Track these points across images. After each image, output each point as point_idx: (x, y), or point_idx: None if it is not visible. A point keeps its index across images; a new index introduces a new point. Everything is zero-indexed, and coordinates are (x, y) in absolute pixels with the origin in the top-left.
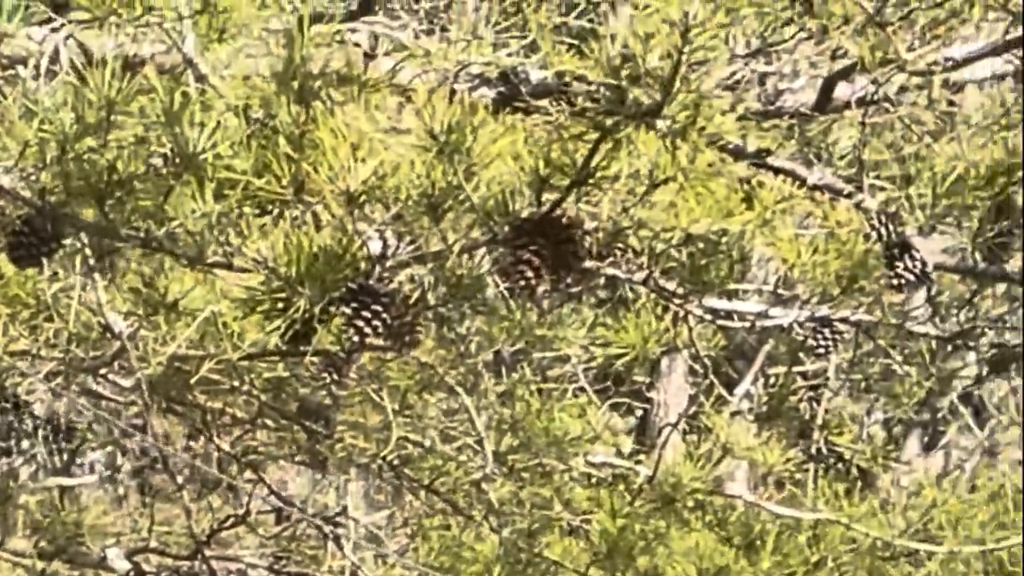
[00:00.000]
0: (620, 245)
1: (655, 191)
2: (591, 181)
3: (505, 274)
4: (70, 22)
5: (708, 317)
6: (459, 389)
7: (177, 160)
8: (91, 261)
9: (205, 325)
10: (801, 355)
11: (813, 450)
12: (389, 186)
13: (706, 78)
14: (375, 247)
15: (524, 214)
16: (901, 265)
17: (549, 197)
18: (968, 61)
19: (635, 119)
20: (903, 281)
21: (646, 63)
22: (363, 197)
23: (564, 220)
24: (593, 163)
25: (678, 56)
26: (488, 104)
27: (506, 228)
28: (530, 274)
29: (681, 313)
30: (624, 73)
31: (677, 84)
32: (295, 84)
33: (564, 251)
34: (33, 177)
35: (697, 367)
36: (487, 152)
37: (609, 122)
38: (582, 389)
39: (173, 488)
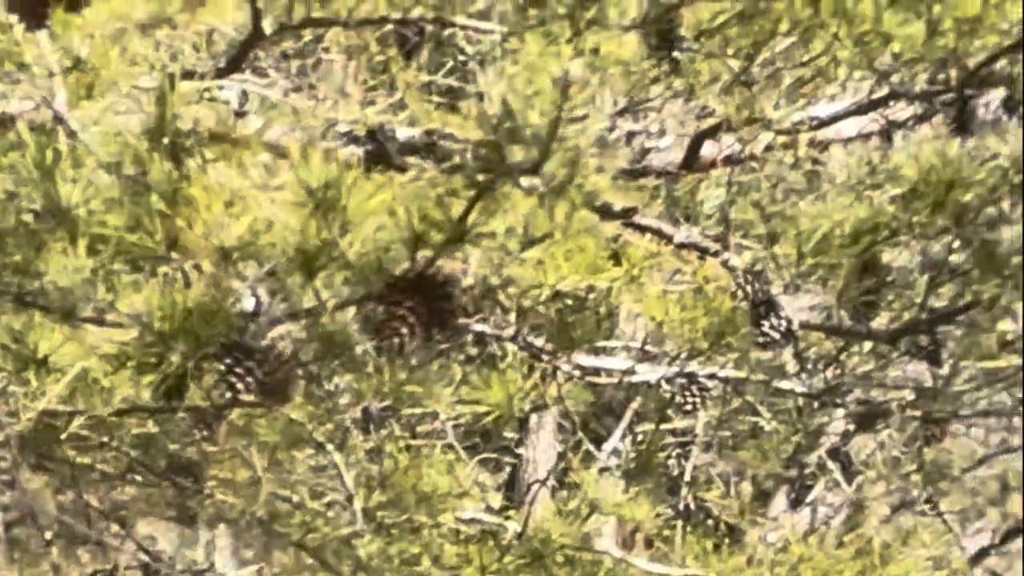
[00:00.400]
0: (490, 302)
1: (530, 248)
2: (467, 238)
3: (378, 331)
4: None
5: (576, 373)
6: (328, 445)
7: (49, 215)
8: None
9: (75, 381)
10: (669, 411)
11: (681, 506)
12: (263, 243)
13: (583, 136)
14: (248, 304)
15: (398, 271)
16: (767, 323)
17: (424, 254)
18: (834, 120)
19: (512, 176)
20: (769, 339)
21: (525, 120)
22: (237, 253)
23: (439, 277)
24: (469, 220)
25: (557, 113)
26: (358, 161)
27: (380, 285)
28: (404, 331)
29: (549, 369)
30: (502, 130)
31: (555, 142)
32: (166, 141)
33: (438, 308)
34: None
35: (565, 423)
36: (362, 209)
37: (485, 179)
38: (451, 445)
39: (42, 544)
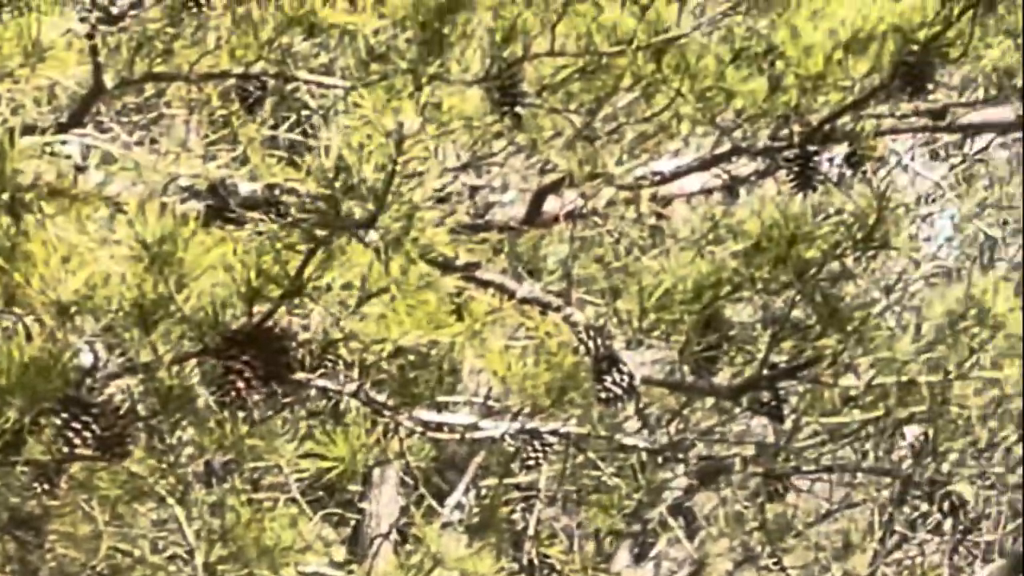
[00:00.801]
0: (331, 356)
1: (367, 302)
2: (303, 292)
3: (216, 385)
4: None
5: (419, 429)
6: (169, 499)
7: None
8: None
9: None
10: (512, 466)
11: (525, 561)
12: (100, 297)
13: (419, 190)
14: (86, 358)
15: (235, 325)
16: (609, 378)
17: (261, 308)
18: (676, 175)
19: (348, 230)
20: (612, 394)
21: (360, 174)
22: (74, 308)
23: (276, 331)
24: (305, 274)
25: (392, 167)
26: (199, 215)
27: (217, 339)
28: (241, 385)
29: (392, 424)
30: (338, 184)
31: (390, 195)
32: (5, 196)
33: (276, 362)
34: None
35: (408, 478)
36: (198, 263)
37: (322, 233)
38: (294, 499)
39: None
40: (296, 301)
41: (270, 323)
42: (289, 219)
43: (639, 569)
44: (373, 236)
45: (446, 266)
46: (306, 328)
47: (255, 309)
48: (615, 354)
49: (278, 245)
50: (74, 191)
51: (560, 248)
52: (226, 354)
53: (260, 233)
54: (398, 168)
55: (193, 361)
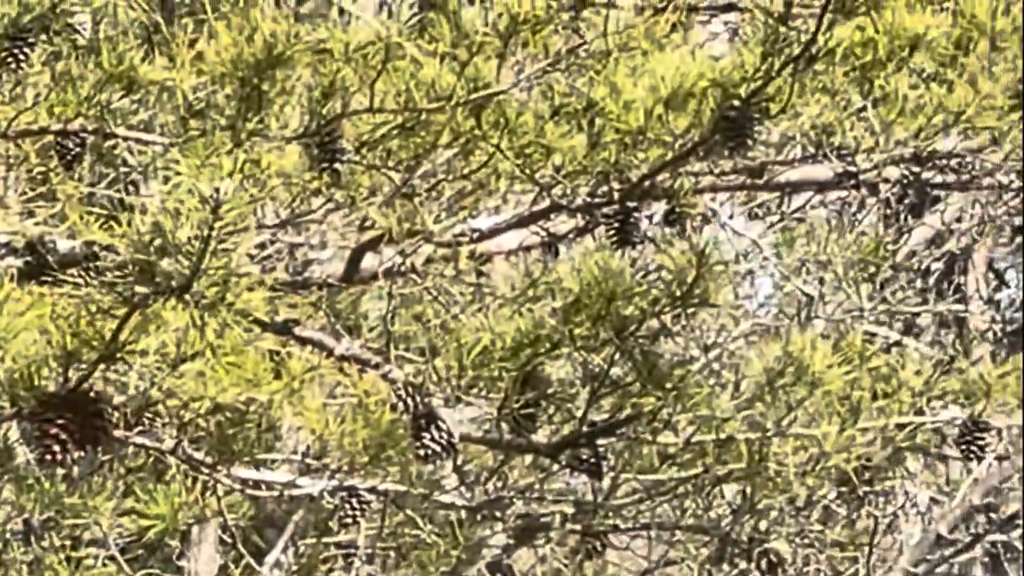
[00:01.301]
0: (150, 414)
1: (182, 365)
2: (119, 356)
3: (33, 446)
4: None
5: (237, 486)
6: None
7: None
8: None
9: None
10: (331, 524)
11: None
12: None
13: (235, 253)
14: None
15: (51, 388)
16: (428, 435)
17: (77, 371)
18: (495, 232)
19: (164, 294)
20: (430, 451)
21: (176, 238)
22: None
23: (92, 394)
24: (121, 338)
25: (208, 231)
26: (15, 274)
27: (33, 402)
28: (56, 448)
29: (211, 482)
30: (154, 247)
31: (207, 259)
32: None
33: (92, 425)
34: None
35: (227, 536)
36: (14, 325)
37: (138, 296)
38: (113, 557)
39: None
40: (113, 364)
41: (86, 386)
42: (106, 279)
43: None
44: (189, 300)
45: (264, 324)
46: (123, 388)
47: (71, 372)
48: (434, 411)
49: (94, 308)
50: None
51: (379, 305)
52: (42, 417)
53: (74, 295)
54: (214, 233)
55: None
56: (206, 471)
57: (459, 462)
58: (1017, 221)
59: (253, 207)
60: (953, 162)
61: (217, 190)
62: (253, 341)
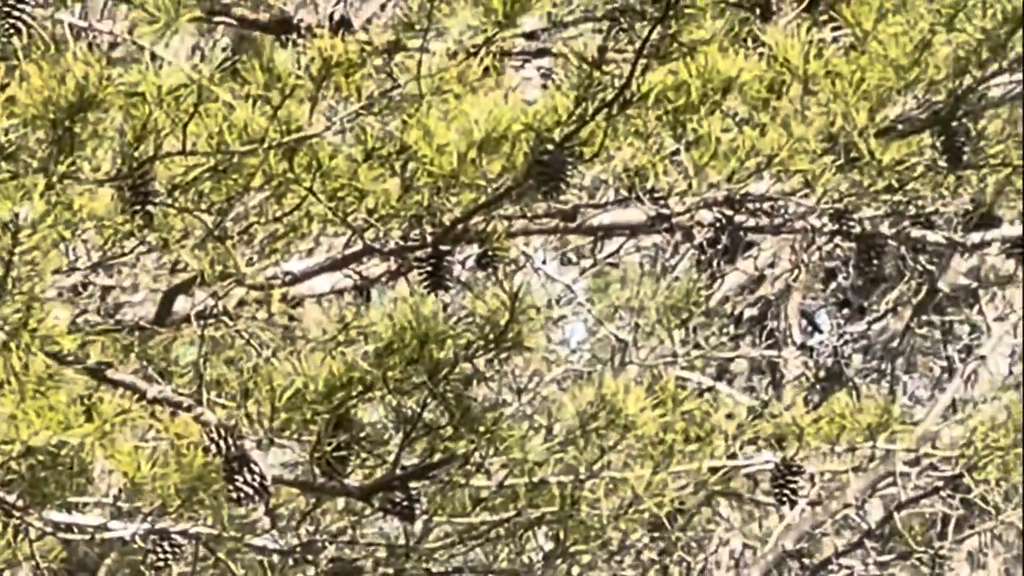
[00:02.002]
0: None
1: None
2: None
3: None
4: None
5: (49, 530)
6: None
7: None
8: None
9: None
10: (143, 568)
11: None
12: None
13: (39, 281)
14: None
15: None
16: (240, 478)
17: None
18: (308, 275)
19: None
20: (243, 494)
21: None
22: None
23: None
24: None
25: (9, 258)
26: None
27: None
28: None
29: (22, 526)
30: None
31: (10, 284)
32: None
33: None
34: None
35: None
36: None
37: None
38: None
39: None
40: None
41: None
42: None
43: None
44: None
45: (76, 366)
46: None
47: None
48: (246, 454)
49: None
50: None
51: (191, 348)
52: None
53: None
54: (15, 259)
55: None
56: (17, 515)
57: (272, 505)
58: (829, 265)
59: (56, 232)
60: (766, 206)
61: (16, 215)
62: (65, 383)
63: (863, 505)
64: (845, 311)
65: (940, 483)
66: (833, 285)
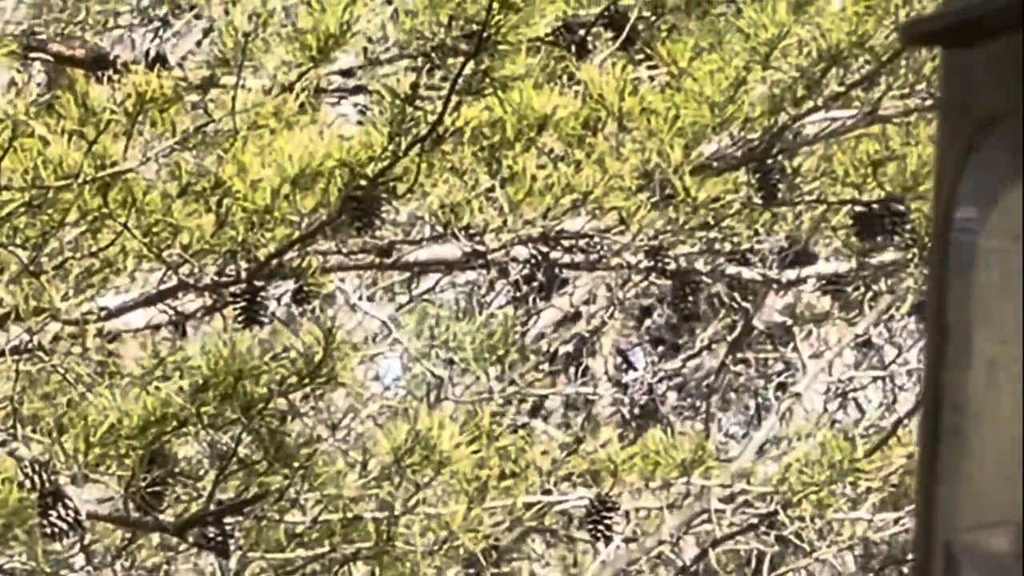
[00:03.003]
0: None
1: None
2: None
3: None
4: None
5: None
6: None
7: None
8: None
9: None
10: None
11: None
12: None
13: None
14: None
15: None
16: (55, 513)
17: None
18: (123, 311)
19: None
20: (57, 529)
21: None
22: None
23: None
24: None
25: None
26: None
27: None
28: None
29: None
30: None
31: None
32: None
33: None
34: None
35: None
36: None
37: None
38: None
39: None
40: None
41: None
42: None
43: None
44: None
45: None
46: None
47: None
48: (60, 489)
49: None
50: None
51: (6, 383)
52: None
53: None
54: None
55: None
56: None
57: (86, 540)
58: (644, 303)
59: None
60: (581, 242)
61: None
62: None
63: (678, 542)
64: (660, 348)
65: (755, 520)
66: (648, 322)
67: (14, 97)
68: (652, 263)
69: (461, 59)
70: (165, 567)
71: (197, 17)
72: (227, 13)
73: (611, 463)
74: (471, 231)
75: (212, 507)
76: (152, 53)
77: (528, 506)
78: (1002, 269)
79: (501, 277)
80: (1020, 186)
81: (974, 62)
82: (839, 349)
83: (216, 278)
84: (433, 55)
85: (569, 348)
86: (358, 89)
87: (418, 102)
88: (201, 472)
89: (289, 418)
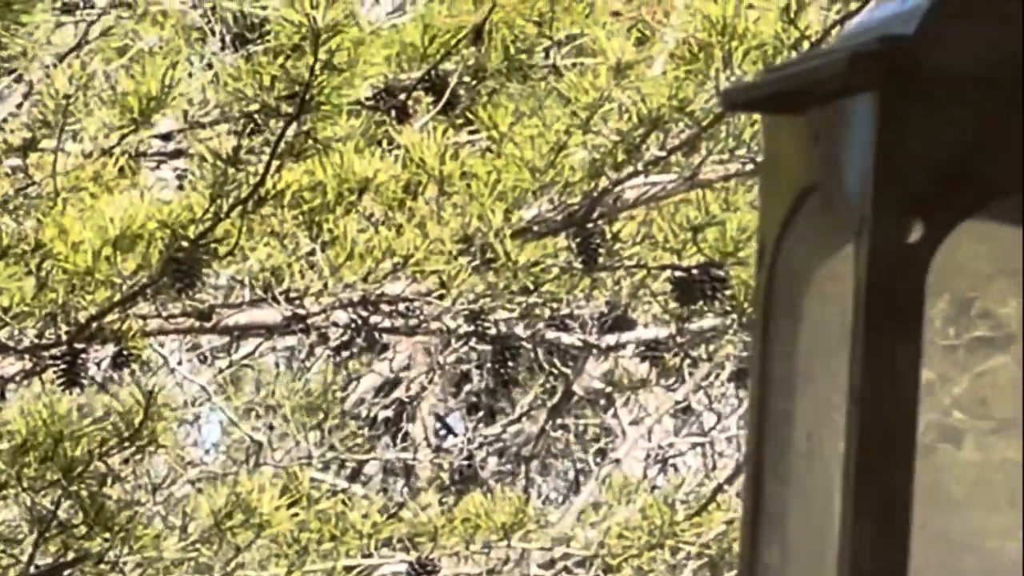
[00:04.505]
0: None
1: None
2: None
3: None
4: None
5: None
6: None
7: None
8: None
9: None
10: None
11: None
12: None
13: None
14: None
15: None
16: None
17: None
18: None
19: None
20: None
21: None
22: None
23: None
24: None
25: None
26: None
27: None
28: None
29: None
30: None
31: None
32: None
33: None
34: None
35: None
36: None
37: None
38: None
39: None
40: None
41: None
42: None
43: None
44: None
45: None
46: None
47: None
48: None
49: None
50: None
51: None
52: None
53: None
54: None
55: None
56: None
57: None
58: (464, 367)
59: None
60: (401, 307)
61: None
62: None
63: None
64: (479, 413)
65: None
66: (467, 387)
67: None
68: (472, 328)
69: (283, 121)
70: None
71: (17, 80)
72: (48, 76)
73: (432, 527)
74: (291, 295)
75: (31, 571)
76: None
77: (348, 569)
78: (822, 334)
79: (321, 342)
80: (836, 254)
81: (795, 129)
82: (659, 415)
83: (36, 340)
84: (256, 116)
85: (389, 413)
86: (178, 153)
87: (239, 164)
88: (20, 536)
89: (109, 481)
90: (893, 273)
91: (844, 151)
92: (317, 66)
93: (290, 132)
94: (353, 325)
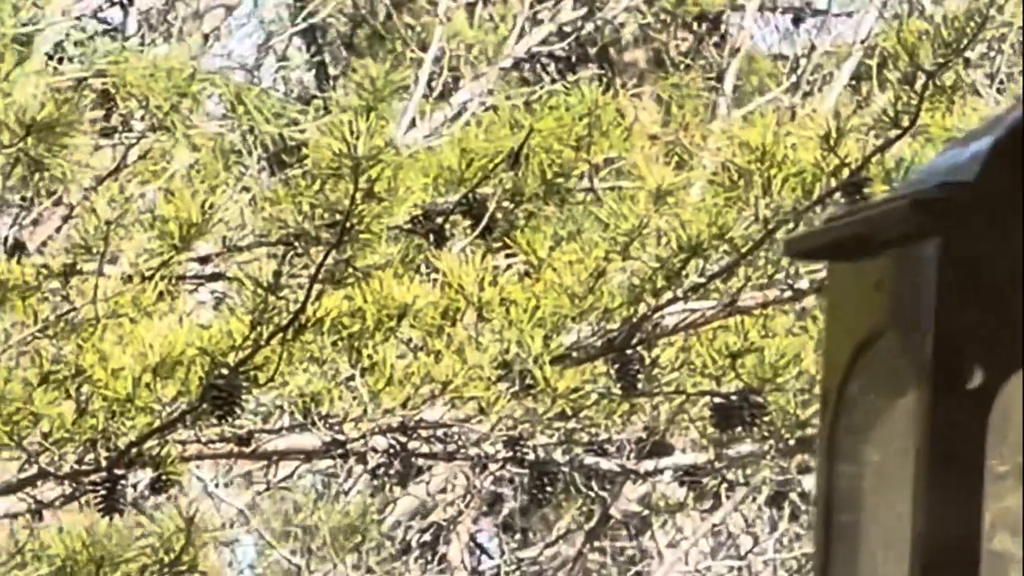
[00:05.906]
0: None
1: None
2: None
3: None
4: None
5: None
6: None
7: None
8: None
9: None
10: None
11: None
12: None
13: None
14: None
15: None
16: None
17: None
18: None
19: None
20: None
21: None
22: None
23: None
24: None
25: None
26: None
27: None
28: None
29: None
30: None
31: None
32: None
33: None
34: None
35: None
36: None
37: None
38: None
39: None
40: None
41: None
42: None
43: None
44: None
45: None
46: None
47: None
48: None
49: None
50: None
51: None
52: None
53: None
54: None
55: None
56: None
57: None
58: (499, 490)
59: None
60: (440, 432)
61: None
62: None
63: None
64: (516, 536)
65: None
66: (504, 511)
67: None
68: (510, 453)
69: (322, 247)
70: None
71: (56, 204)
72: (87, 199)
73: None
74: (330, 420)
75: None
76: (11, 239)
77: None
78: (885, 478)
79: (359, 464)
80: (900, 399)
81: (857, 275)
82: (696, 538)
83: (76, 466)
84: (295, 243)
85: (425, 536)
86: (216, 276)
87: (279, 291)
88: None
89: None
90: (954, 419)
91: (907, 297)
92: (358, 195)
93: (329, 259)
94: (392, 450)
